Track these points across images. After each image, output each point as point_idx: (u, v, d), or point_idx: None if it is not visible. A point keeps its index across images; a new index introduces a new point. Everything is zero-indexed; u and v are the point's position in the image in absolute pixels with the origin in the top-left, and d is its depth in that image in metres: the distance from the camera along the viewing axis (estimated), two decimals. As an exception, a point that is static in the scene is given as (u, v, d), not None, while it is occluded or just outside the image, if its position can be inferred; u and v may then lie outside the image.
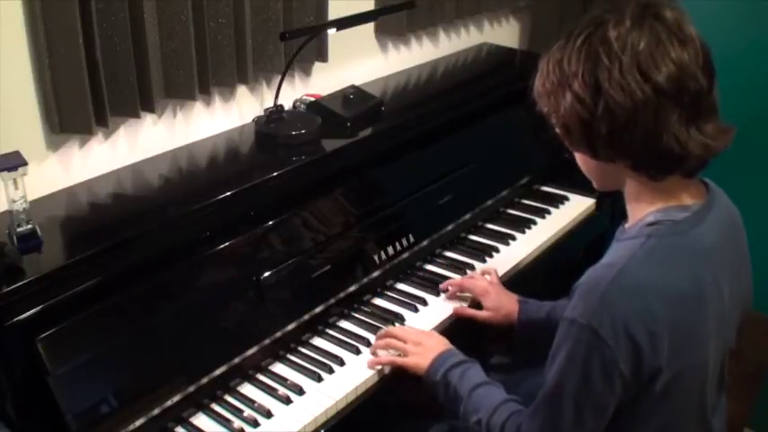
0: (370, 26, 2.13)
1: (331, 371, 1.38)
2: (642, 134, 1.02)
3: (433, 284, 1.64)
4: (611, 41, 1.01)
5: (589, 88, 1.02)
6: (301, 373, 1.38)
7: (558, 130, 1.12)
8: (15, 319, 1.13)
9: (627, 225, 1.15)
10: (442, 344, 1.38)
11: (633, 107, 1.00)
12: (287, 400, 1.32)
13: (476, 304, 1.58)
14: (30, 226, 1.25)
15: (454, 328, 1.54)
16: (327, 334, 1.49)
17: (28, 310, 1.14)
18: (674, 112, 1.01)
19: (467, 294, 1.60)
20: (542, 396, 1.11)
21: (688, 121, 1.02)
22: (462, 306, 1.58)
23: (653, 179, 1.08)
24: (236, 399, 1.33)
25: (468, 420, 1.25)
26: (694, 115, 1.03)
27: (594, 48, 1.02)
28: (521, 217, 1.94)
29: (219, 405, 1.31)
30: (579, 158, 1.15)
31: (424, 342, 1.39)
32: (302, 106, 1.84)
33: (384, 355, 1.40)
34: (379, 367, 1.39)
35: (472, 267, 1.71)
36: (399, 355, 1.39)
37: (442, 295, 1.61)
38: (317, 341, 1.48)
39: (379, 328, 1.49)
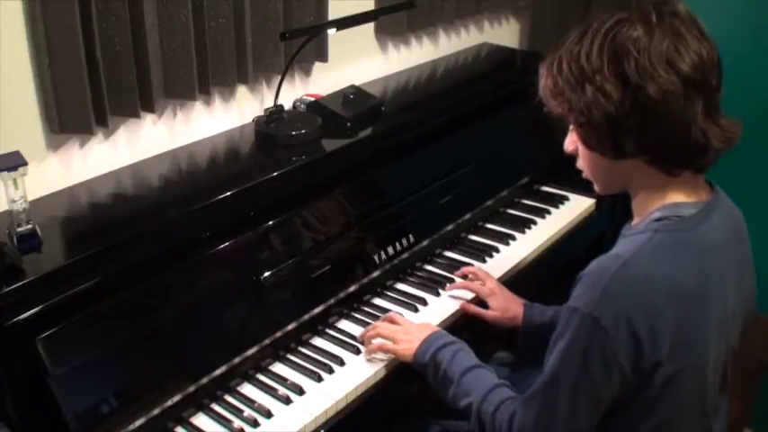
0: (370, 26, 2.13)
1: (331, 371, 1.38)
2: (672, 127, 1.03)
3: (434, 284, 1.64)
4: (639, 36, 1.02)
5: (615, 81, 1.03)
6: (301, 373, 1.38)
7: (576, 129, 1.11)
8: (15, 319, 1.13)
9: (633, 223, 1.15)
10: (431, 328, 1.39)
11: (663, 98, 1.01)
12: (287, 400, 1.31)
13: (479, 302, 1.58)
14: (30, 226, 1.25)
15: (455, 328, 1.54)
16: (327, 334, 1.49)
17: (28, 310, 1.14)
18: (699, 104, 1.03)
19: (469, 294, 1.60)
20: (539, 383, 1.11)
21: (708, 115, 1.04)
22: (468, 303, 1.57)
23: (669, 174, 1.08)
24: (236, 399, 1.33)
25: (458, 404, 1.25)
26: (712, 109, 1.04)
27: (619, 41, 1.03)
28: (521, 217, 1.94)
29: (219, 405, 1.31)
30: (587, 159, 1.14)
31: (412, 330, 1.39)
32: (302, 106, 1.84)
33: (374, 343, 1.41)
34: (379, 367, 1.39)
35: (472, 267, 1.71)
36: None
37: (443, 295, 1.61)
38: (317, 341, 1.48)
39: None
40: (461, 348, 1.31)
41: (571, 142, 1.16)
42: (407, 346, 1.36)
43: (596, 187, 1.19)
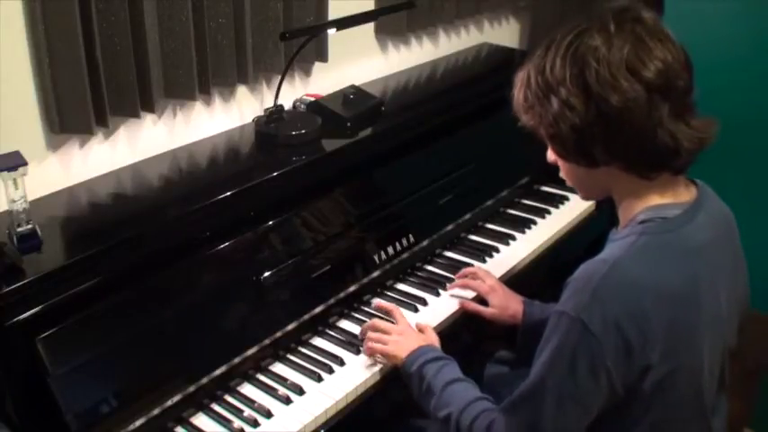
0: (370, 26, 2.13)
1: (331, 371, 1.38)
2: (637, 133, 1.03)
3: (433, 284, 1.64)
4: (598, 46, 1.02)
5: (578, 93, 1.03)
6: (301, 373, 1.38)
7: (547, 142, 1.13)
8: (15, 319, 1.13)
9: (619, 227, 1.16)
10: (424, 339, 1.38)
11: (626, 106, 1.01)
12: (287, 400, 1.32)
13: (480, 300, 1.58)
14: (30, 226, 1.25)
15: (455, 328, 1.54)
16: (327, 334, 1.49)
17: (28, 310, 1.14)
18: (665, 108, 1.02)
19: (469, 293, 1.60)
20: (523, 390, 1.10)
21: (677, 117, 1.03)
22: (467, 301, 1.57)
23: (645, 178, 1.08)
24: (236, 399, 1.33)
25: (438, 415, 1.24)
26: (681, 111, 1.04)
27: (580, 53, 1.03)
28: (521, 217, 1.94)
29: (219, 405, 1.31)
30: (566, 169, 1.16)
31: (407, 334, 1.39)
32: (302, 106, 1.84)
33: (369, 339, 1.41)
34: (379, 367, 1.39)
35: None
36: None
37: (443, 295, 1.61)
38: (317, 341, 1.48)
39: (379, 328, 1.49)
40: (447, 363, 1.30)
41: (551, 153, 1.16)
42: (396, 348, 1.35)
43: (580, 194, 1.20)
